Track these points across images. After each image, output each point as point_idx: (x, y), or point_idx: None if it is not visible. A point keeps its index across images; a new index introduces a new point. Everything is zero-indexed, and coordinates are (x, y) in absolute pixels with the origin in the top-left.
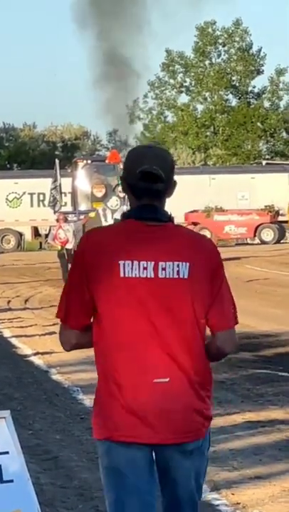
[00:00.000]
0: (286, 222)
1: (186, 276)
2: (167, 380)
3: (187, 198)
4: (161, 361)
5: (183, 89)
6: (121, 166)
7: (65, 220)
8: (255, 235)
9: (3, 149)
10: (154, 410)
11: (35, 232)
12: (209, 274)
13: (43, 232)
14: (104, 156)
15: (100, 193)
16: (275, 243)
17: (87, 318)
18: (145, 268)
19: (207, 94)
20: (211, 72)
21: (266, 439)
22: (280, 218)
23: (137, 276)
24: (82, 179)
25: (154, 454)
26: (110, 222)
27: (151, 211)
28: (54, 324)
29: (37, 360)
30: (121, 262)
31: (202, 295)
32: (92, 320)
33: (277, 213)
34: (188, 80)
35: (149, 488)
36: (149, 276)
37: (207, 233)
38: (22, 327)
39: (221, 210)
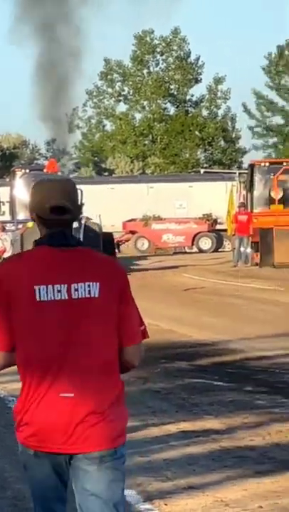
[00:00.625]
0: (225, 230)
1: (96, 296)
2: (72, 395)
3: (125, 206)
4: (71, 377)
5: (121, 98)
6: (59, 173)
7: (3, 230)
8: (193, 244)
9: None
10: (62, 423)
11: None
12: (118, 294)
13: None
14: (42, 165)
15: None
16: (212, 252)
17: (11, 338)
18: (59, 291)
19: (145, 102)
20: (149, 81)
21: (200, 448)
22: (218, 227)
23: (52, 299)
24: (20, 188)
25: (67, 465)
26: None
27: (62, 238)
28: None
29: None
30: (36, 287)
31: (111, 313)
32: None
33: (215, 222)
34: (126, 88)
35: (59, 496)
36: (63, 298)
37: (145, 242)
38: None
39: (158, 219)
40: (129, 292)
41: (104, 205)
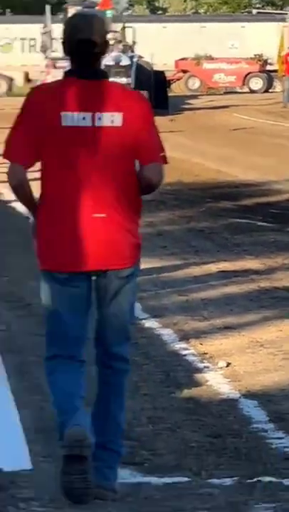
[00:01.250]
0: (275, 71)
1: (119, 125)
2: (104, 215)
3: (177, 45)
4: (100, 200)
5: None
6: (112, 11)
7: (54, 67)
8: (244, 84)
9: None
10: (94, 241)
11: (26, 77)
12: (140, 123)
13: (34, 77)
14: (95, 3)
15: None
16: (263, 92)
17: (33, 155)
18: (84, 118)
19: None
20: None
21: (239, 289)
22: (269, 67)
23: (76, 125)
24: None
25: (93, 283)
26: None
27: (89, 70)
28: None
29: (20, 207)
30: (62, 113)
31: (133, 141)
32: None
33: (266, 62)
34: None
35: (82, 322)
36: (87, 125)
37: (196, 81)
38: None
39: (210, 58)
40: (150, 121)
41: (157, 44)
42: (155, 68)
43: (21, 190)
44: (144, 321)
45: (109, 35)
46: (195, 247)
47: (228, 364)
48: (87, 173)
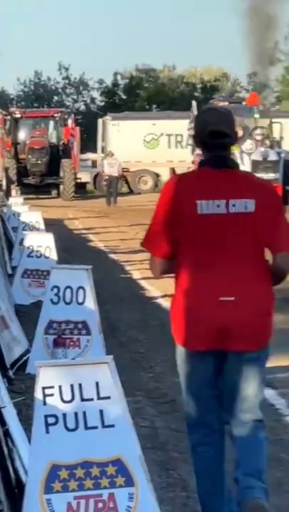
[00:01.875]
0: None
1: (252, 210)
2: (233, 298)
3: None
4: (230, 283)
5: None
6: (260, 107)
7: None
8: None
9: (143, 90)
10: (221, 323)
11: (173, 173)
12: (271, 209)
13: (180, 173)
14: (242, 98)
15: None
16: None
17: (171, 247)
18: (218, 206)
19: None
20: None
21: None
22: None
23: (212, 212)
24: None
25: (221, 362)
26: (247, 164)
27: (222, 160)
28: None
29: (164, 303)
30: (198, 202)
31: (265, 226)
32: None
33: None
34: None
35: (210, 394)
36: (222, 212)
37: None
38: None
39: None
40: (281, 209)
41: None
42: None
43: (165, 274)
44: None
45: (257, 131)
46: None
47: None
48: (219, 259)
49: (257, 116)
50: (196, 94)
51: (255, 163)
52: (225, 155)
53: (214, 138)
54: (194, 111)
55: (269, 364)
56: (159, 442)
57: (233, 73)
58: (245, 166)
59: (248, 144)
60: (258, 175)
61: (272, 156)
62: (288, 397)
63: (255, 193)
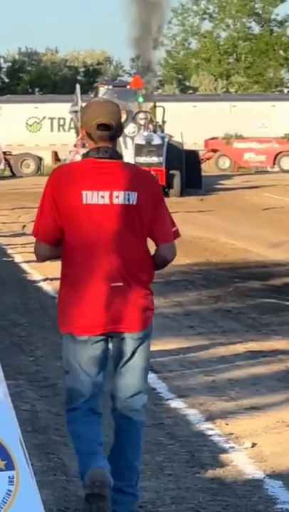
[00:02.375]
0: None
1: (134, 203)
2: (121, 284)
3: (207, 125)
4: (118, 270)
5: (206, 16)
6: (143, 91)
7: (83, 146)
8: (274, 163)
9: (26, 74)
10: (112, 307)
11: (56, 156)
12: (152, 201)
13: (63, 157)
14: (126, 82)
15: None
16: None
17: (57, 234)
18: (102, 197)
19: (230, 21)
20: (234, 0)
21: (266, 369)
22: None
23: (96, 203)
24: None
25: (110, 345)
26: (130, 148)
27: (106, 152)
28: None
29: (45, 286)
30: (83, 192)
31: (147, 218)
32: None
33: None
34: (211, 7)
35: (99, 380)
36: (106, 202)
37: (227, 161)
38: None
39: (240, 138)
40: (161, 200)
41: (187, 123)
42: (185, 147)
43: (49, 259)
44: (170, 401)
45: (140, 115)
46: (222, 327)
47: (254, 444)
48: (105, 248)
49: (140, 100)
50: (79, 77)
51: (138, 147)
52: (110, 147)
53: (101, 130)
54: (78, 94)
55: (151, 348)
56: (39, 426)
57: (116, 57)
58: (128, 150)
59: (130, 128)
60: (141, 158)
61: (156, 140)
62: (169, 380)
63: (138, 186)
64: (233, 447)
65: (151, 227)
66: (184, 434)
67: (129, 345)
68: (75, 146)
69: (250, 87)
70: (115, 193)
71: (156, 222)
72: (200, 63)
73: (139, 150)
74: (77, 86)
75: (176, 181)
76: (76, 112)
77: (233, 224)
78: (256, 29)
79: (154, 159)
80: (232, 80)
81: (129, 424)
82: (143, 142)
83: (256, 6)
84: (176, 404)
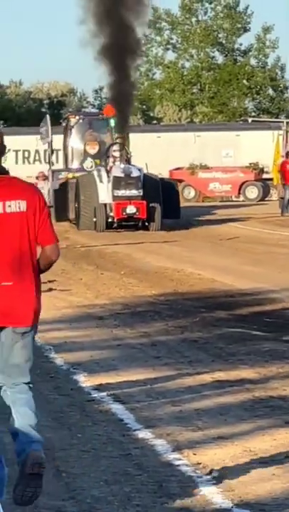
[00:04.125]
0: (271, 179)
1: (24, 210)
2: (11, 283)
3: (172, 155)
4: (8, 271)
5: (169, 46)
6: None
7: (44, 179)
8: (239, 193)
9: None
10: (3, 304)
11: None
12: (37, 210)
13: None
14: (98, 111)
15: (93, 150)
16: (259, 201)
17: None
18: None
19: (194, 51)
20: (198, 30)
21: (233, 398)
22: (265, 176)
23: None
24: (74, 135)
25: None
26: (106, 182)
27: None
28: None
29: None
30: None
31: (34, 223)
32: None
33: (262, 171)
34: (174, 37)
35: None
36: (0, 212)
37: (192, 191)
38: None
39: (205, 168)
40: (45, 209)
41: (151, 154)
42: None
43: None
44: (137, 431)
45: (114, 147)
46: (189, 357)
47: (222, 474)
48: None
49: (113, 123)
50: (43, 109)
51: (116, 180)
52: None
53: None
54: (48, 125)
55: (117, 379)
56: (7, 458)
57: (80, 88)
58: (103, 184)
59: (109, 162)
60: (120, 191)
61: (135, 172)
62: (136, 411)
63: (26, 195)
64: (200, 477)
65: (37, 231)
66: (152, 464)
67: (15, 338)
68: (36, 178)
69: (215, 116)
70: (7, 203)
71: (40, 226)
72: (164, 94)
73: (117, 183)
74: (47, 116)
75: (157, 214)
76: (49, 144)
77: (198, 254)
78: (220, 59)
79: (134, 192)
80: (196, 110)
81: (22, 396)
82: (121, 174)
83: (219, 35)
84: (144, 434)
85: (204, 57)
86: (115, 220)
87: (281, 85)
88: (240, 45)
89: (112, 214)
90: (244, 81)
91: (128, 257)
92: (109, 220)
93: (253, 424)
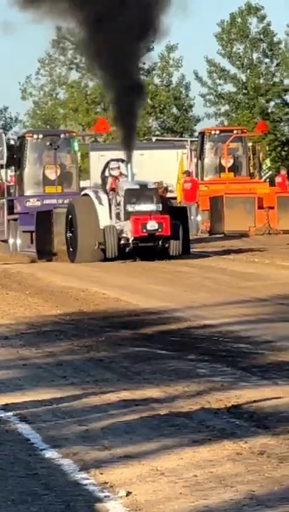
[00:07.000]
0: (175, 198)
1: None
2: None
3: None
4: None
5: (73, 66)
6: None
7: None
8: None
9: None
10: None
11: None
12: None
13: None
14: (60, 130)
15: (53, 174)
16: None
17: None
18: None
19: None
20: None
21: (139, 417)
22: (169, 195)
23: None
24: (32, 156)
25: None
26: (106, 204)
27: None
28: None
29: None
30: None
31: None
32: None
33: (166, 190)
34: (78, 56)
35: None
36: None
37: None
38: None
39: None
40: None
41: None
42: None
43: None
44: (44, 451)
45: (113, 164)
46: (94, 376)
47: (129, 493)
48: None
49: (76, 147)
50: None
51: (130, 193)
52: None
53: None
54: (4, 144)
55: (23, 399)
56: None
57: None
58: (103, 206)
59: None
60: (135, 206)
61: (151, 184)
62: (42, 431)
63: None
64: (108, 496)
65: None
66: (59, 484)
67: None
68: None
69: (118, 135)
70: None
71: None
72: (68, 113)
73: (131, 196)
74: (3, 135)
75: (181, 232)
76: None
77: (103, 273)
78: None
79: (152, 206)
80: None
81: None
82: (136, 186)
83: None
84: (51, 454)
85: None
86: (131, 239)
87: (185, 104)
88: (144, 64)
89: (124, 235)
90: (148, 100)
91: (32, 276)
92: (122, 242)
93: (160, 443)
